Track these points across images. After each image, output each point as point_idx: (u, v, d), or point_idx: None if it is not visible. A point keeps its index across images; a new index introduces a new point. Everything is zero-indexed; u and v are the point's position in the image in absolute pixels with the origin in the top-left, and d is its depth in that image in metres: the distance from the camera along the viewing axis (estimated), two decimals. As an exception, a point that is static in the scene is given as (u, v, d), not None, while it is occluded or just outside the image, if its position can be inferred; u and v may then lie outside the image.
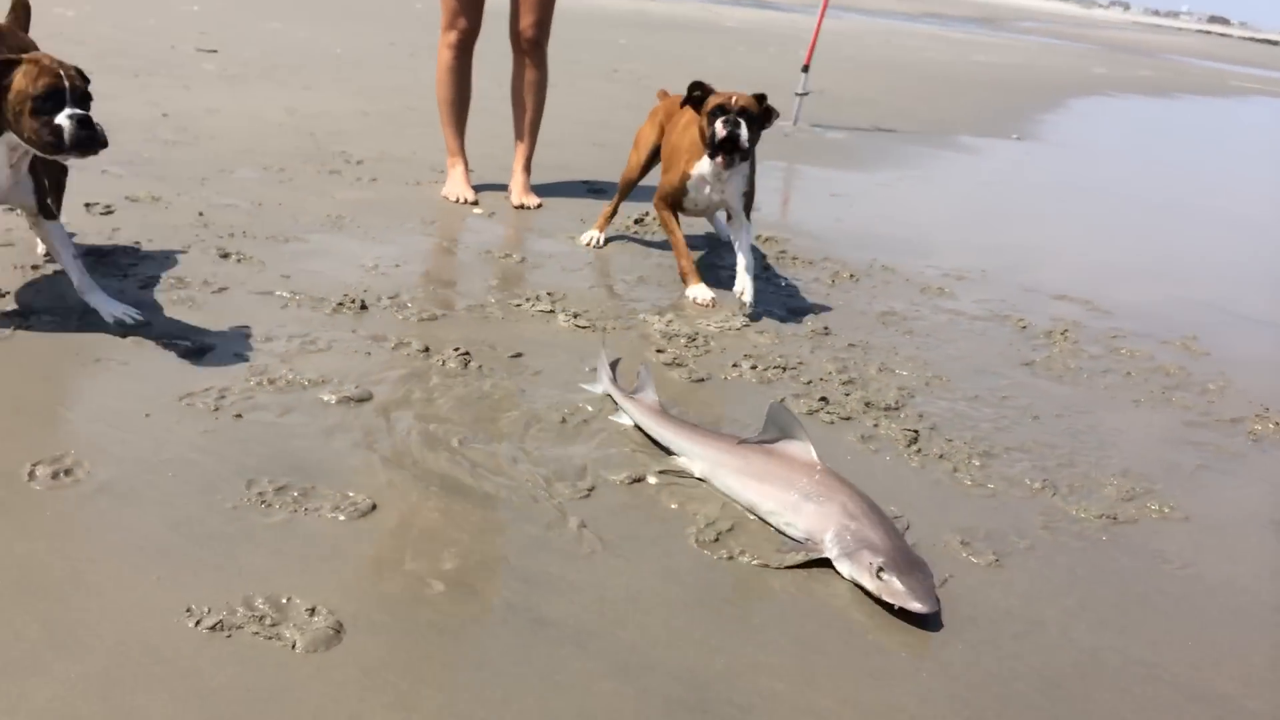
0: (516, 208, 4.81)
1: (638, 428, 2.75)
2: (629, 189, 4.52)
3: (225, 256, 3.63)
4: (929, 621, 2.10)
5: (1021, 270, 4.93)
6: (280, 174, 4.79)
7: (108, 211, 3.93)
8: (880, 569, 2.12)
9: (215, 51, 7.96)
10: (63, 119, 2.64)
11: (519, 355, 3.16)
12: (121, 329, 2.94)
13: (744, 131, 3.63)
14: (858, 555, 2.17)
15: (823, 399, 3.10)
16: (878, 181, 6.70)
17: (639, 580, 2.14)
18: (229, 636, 1.80)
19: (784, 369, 3.31)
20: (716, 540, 2.31)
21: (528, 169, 4.95)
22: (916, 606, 2.07)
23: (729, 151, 3.68)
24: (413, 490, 2.34)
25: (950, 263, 4.84)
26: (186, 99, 6.08)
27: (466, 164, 4.92)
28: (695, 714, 1.78)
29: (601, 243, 4.47)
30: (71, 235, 3.21)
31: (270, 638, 1.81)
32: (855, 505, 2.29)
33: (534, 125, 4.94)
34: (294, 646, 1.80)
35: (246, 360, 2.86)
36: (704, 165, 3.84)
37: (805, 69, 8.46)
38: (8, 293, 3.07)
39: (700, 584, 2.15)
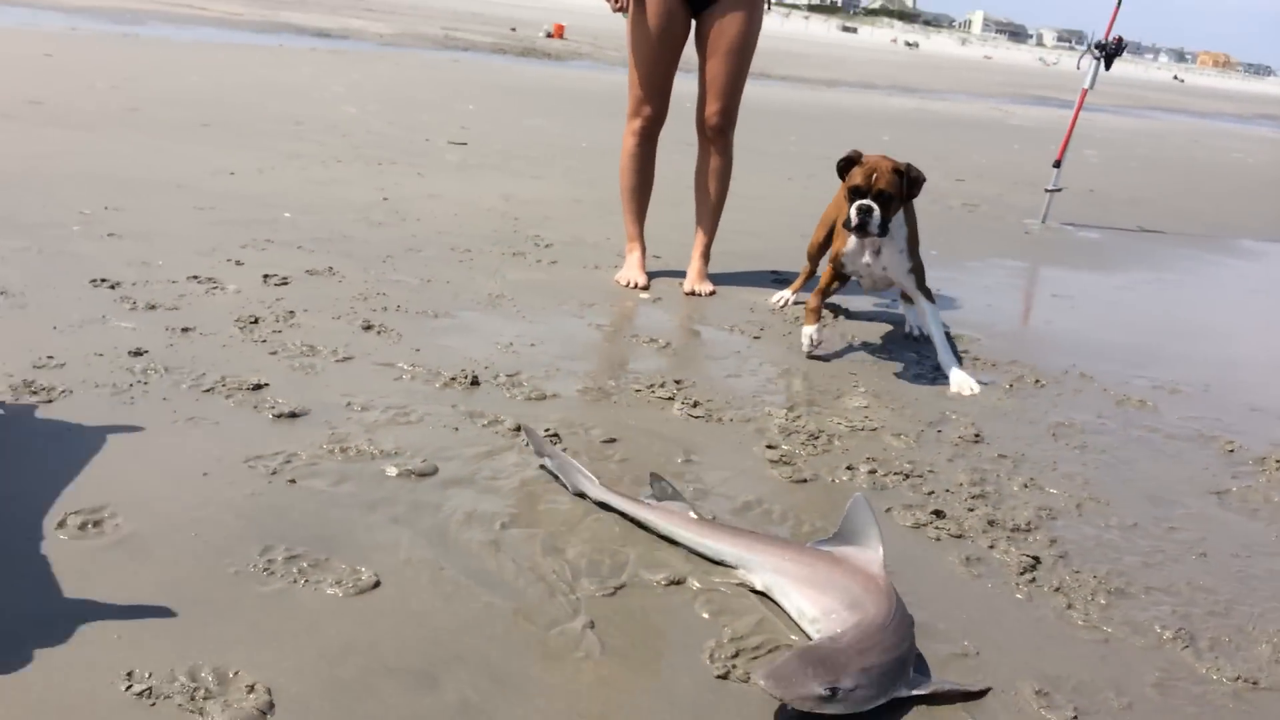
0: (687, 294, 4.69)
1: (666, 538, 2.47)
2: (814, 264, 4.73)
3: (368, 328, 3.71)
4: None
5: (1255, 388, 4.27)
6: (464, 254, 4.92)
7: (283, 283, 4.13)
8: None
9: (465, 144, 8.42)
10: None
11: (612, 440, 3.00)
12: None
13: (875, 217, 3.55)
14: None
15: (936, 512, 2.74)
16: (1116, 284, 6.08)
17: (624, 695, 1.91)
18: (152, 705, 1.73)
19: (906, 475, 2.97)
20: (735, 657, 2.04)
21: (706, 256, 4.84)
22: (759, 677, 1.84)
23: (861, 234, 3.61)
24: (426, 571, 2.23)
25: (1167, 374, 4.27)
26: (413, 185, 6.42)
27: (644, 250, 4.86)
28: None
29: (790, 302, 4.68)
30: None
31: (192, 712, 1.73)
32: (880, 617, 2.01)
33: (715, 213, 4.84)
34: (210, 724, 1.71)
35: (332, 428, 2.88)
36: (852, 239, 3.79)
37: (1057, 164, 7.92)
38: (146, 351, 3.25)
39: (694, 706, 1.89)
